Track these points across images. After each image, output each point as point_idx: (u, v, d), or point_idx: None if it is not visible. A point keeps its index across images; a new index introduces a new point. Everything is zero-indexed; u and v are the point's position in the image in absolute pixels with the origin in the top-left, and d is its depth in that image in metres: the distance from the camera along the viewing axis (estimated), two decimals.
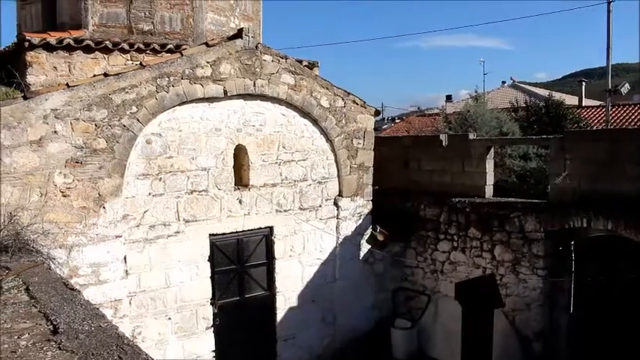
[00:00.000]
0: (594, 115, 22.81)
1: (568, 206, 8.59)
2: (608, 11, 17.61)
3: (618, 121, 21.85)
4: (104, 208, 7.66)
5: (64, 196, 7.33)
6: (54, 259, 6.67)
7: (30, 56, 8.87)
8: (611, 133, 11.69)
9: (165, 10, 10.11)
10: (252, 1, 11.66)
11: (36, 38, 8.89)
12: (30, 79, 8.87)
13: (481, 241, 9.86)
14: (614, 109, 21.44)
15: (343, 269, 10.43)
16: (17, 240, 6.05)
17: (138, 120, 7.88)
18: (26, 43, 8.76)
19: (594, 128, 18.62)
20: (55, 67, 9.06)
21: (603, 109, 20.71)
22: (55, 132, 7.21)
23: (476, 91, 20.24)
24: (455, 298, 8.77)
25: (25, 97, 7.07)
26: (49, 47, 8.93)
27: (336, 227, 10.32)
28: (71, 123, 7.33)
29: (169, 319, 8.49)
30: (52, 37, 9.07)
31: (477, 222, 9.89)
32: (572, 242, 9.06)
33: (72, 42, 9.04)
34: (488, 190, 10.24)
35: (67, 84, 7.46)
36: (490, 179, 10.29)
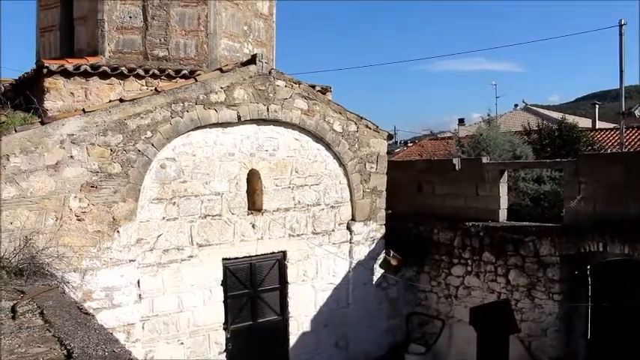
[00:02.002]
0: (608, 138, 22.65)
1: (583, 230, 8.50)
2: (620, 34, 17.62)
3: (632, 143, 21.69)
4: (118, 232, 7.70)
5: (79, 220, 7.39)
6: (68, 282, 6.71)
7: (48, 82, 9.04)
8: (626, 156, 11.62)
9: (180, 36, 10.27)
10: (265, 28, 11.82)
11: (54, 65, 9.07)
12: (47, 104, 9.02)
13: (495, 265, 9.77)
14: (628, 132, 21.30)
15: (356, 294, 10.36)
16: (32, 263, 6.11)
17: (152, 145, 7.96)
18: (44, 70, 8.93)
19: (608, 151, 18.50)
20: (71, 93, 9.21)
21: (617, 132, 20.59)
22: (71, 157, 7.30)
23: (488, 115, 20.26)
24: (469, 323, 8.66)
25: (42, 123, 7.18)
26: (66, 73, 9.10)
27: (349, 252, 10.29)
28: (87, 148, 7.42)
29: (182, 343, 8.45)
30: (70, 64, 9.24)
31: (491, 246, 9.81)
32: (589, 266, 8.95)
33: (89, 68, 9.21)
34: (502, 214, 10.18)
35: (84, 109, 7.58)
36: (504, 203, 10.23)
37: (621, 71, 17.74)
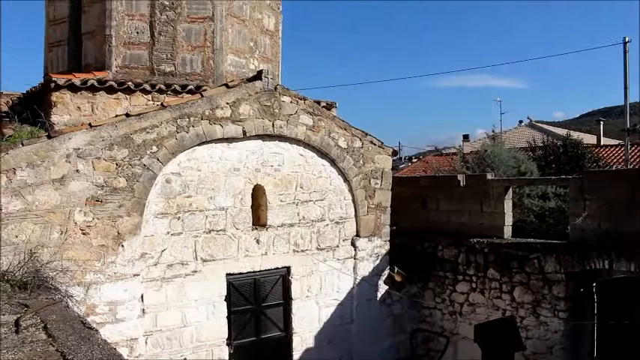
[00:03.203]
0: (613, 154, 22.64)
1: (589, 247, 8.47)
2: (625, 51, 17.68)
3: (638, 160, 21.65)
4: (123, 246, 7.71)
5: (84, 233, 7.40)
6: (72, 296, 6.70)
7: (55, 96, 9.12)
8: (632, 172, 11.57)
9: (186, 52, 10.36)
10: (271, 44, 11.91)
11: (61, 79, 9.15)
12: (54, 118, 9.10)
13: (500, 282, 9.72)
14: (633, 148, 21.29)
15: (360, 310, 10.31)
16: (36, 277, 6.10)
17: (158, 159, 7.99)
18: (52, 84, 9.03)
19: (613, 167, 18.46)
20: (78, 107, 9.29)
21: (622, 148, 20.60)
22: (77, 170, 7.33)
23: (493, 131, 20.24)
24: (474, 340, 8.61)
25: (49, 137, 7.23)
26: (73, 88, 9.18)
27: (354, 268, 10.25)
28: (93, 162, 7.45)
29: (185, 359, 8.41)
30: (77, 78, 9.33)
31: (496, 263, 9.78)
32: (595, 283, 8.89)
33: (96, 83, 9.29)
34: (507, 231, 10.15)
35: (90, 124, 7.62)
36: (509, 220, 10.21)
37: (626, 88, 17.80)
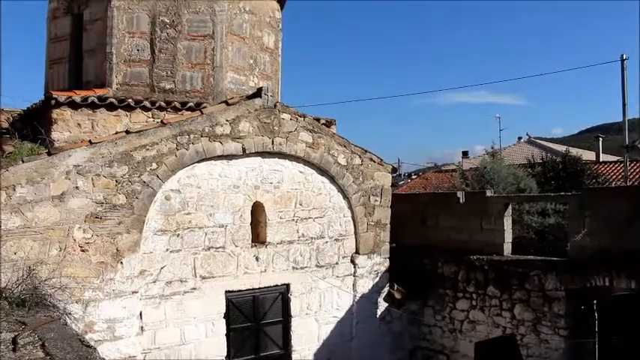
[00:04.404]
0: (612, 171, 22.67)
1: (589, 264, 8.45)
2: (623, 68, 17.77)
3: (637, 176, 21.68)
4: (122, 263, 7.68)
5: (83, 250, 7.38)
6: (70, 314, 6.66)
7: (55, 113, 9.14)
8: (631, 189, 11.59)
9: (186, 69, 10.41)
10: (271, 61, 11.98)
11: (62, 96, 9.18)
12: (55, 135, 9.11)
13: (500, 299, 9.69)
14: (632, 165, 21.32)
15: (360, 328, 10.26)
16: (34, 294, 6.06)
17: (157, 176, 8.00)
18: (53, 101, 9.05)
19: (613, 184, 18.49)
20: (78, 124, 9.31)
21: (621, 165, 20.62)
22: (77, 187, 7.33)
23: (492, 147, 20.27)
24: (474, 358, 8.55)
25: (49, 153, 7.24)
26: (74, 105, 9.21)
27: (353, 285, 10.22)
28: (92, 179, 7.45)
29: None
30: (78, 95, 9.36)
31: (496, 280, 9.75)
32: (595, 301, 8.86)
33: (96, 100, 9.32)
34: (507, 248, 10.13)
35: (90, 141, 7.64)
36: (508, 237, 10.20)
37: (624, 105, 17.85)
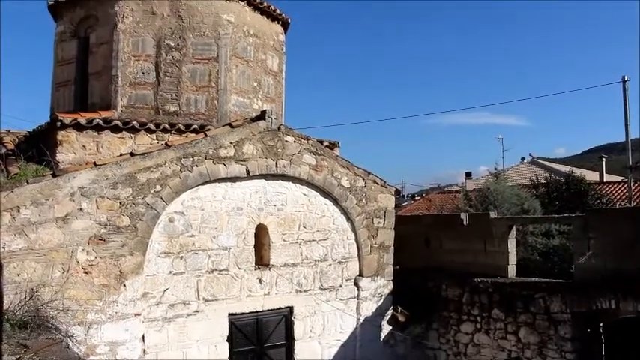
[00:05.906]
0: (616, 192, 22.58)
1: (594, 286, 8.38)
2: (624, 89, 17.82)
3: None
4: (125, 285, 7.67)
5: (86, 272, 7.38)
6: (72, 336, 6.65)
7: (61, 135, 9.21)
8: (636, 211, 11.54)
9: (191, 92, 10.50)
10: (274, 84, 12.07)
11: (68, 118, 9.26)
12: (60, 157, 9.17)
13: (505, 322, 9.60)
14: (636, 185, 21.24)
15: (364, 351, 10.17)
16: (37, 316, 6.06)
17: (161, 199, 8.02)
18: (59, 123, 9.13)
19: (617, 205, 18.40)
20: (84, 146, 9.37)
21: (625, 185, 20.55)
22: (81, 209, 7.35)
23: (495, 168, 20.24)
24: None
25: (54, 175, 7.28)
26: (79, 127, 9.28)
27: (357, 308, 10.16)
28: (97, 201, 7.47)
29: None
30: (83, 118, 9.44)
31: (500, 303, 9.67)
32: (601, 323, 8.77)
33: (101, 122, 9.39)
34: (511, 270, 10.07)
35: (95, 163, 7.68)
36: (512, 259, 10.14)
37: (626, 125, 17.85)
